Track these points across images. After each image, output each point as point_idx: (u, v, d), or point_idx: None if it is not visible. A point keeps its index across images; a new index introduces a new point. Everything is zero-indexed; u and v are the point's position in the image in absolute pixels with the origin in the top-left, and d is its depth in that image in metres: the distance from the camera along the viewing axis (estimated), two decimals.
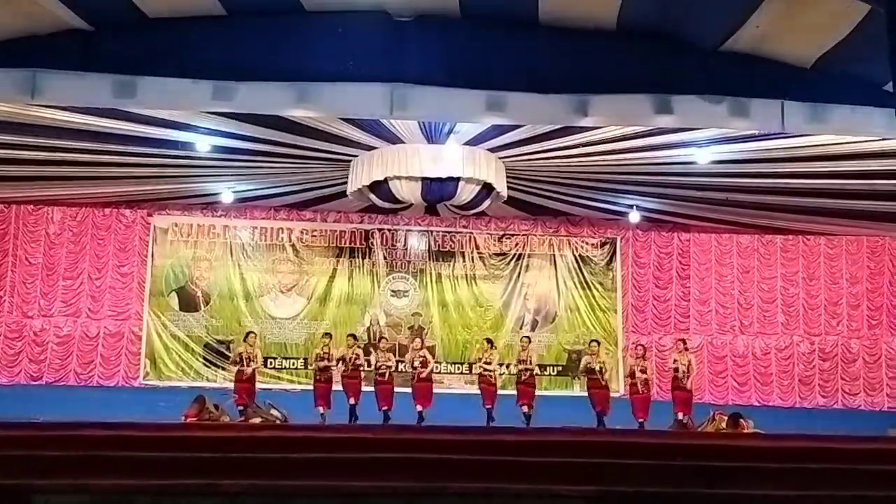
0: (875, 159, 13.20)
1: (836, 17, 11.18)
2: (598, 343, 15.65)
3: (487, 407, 14.09)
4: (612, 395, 16.30)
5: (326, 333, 15.20)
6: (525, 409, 14.14)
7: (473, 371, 15.93)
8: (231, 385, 14.20)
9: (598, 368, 14.50)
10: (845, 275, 18.51)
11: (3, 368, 17.14)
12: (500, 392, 14.47)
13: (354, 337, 15.24)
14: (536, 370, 15.25)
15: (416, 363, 14.34)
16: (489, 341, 15.30)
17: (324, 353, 14.25)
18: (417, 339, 15.49)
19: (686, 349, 15.20)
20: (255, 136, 13.55)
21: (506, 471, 6.58)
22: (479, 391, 14.53)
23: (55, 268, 17.57)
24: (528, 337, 15.76)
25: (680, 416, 14.14)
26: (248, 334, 14.77)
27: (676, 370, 14.57)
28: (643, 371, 14.62)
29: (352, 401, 13.84)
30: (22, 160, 14.52)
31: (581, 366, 15.09)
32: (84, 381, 17.09)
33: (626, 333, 18.24)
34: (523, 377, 14.56)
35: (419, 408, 13.90)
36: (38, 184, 16.22)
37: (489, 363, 14.56)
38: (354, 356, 14.27)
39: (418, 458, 6.79)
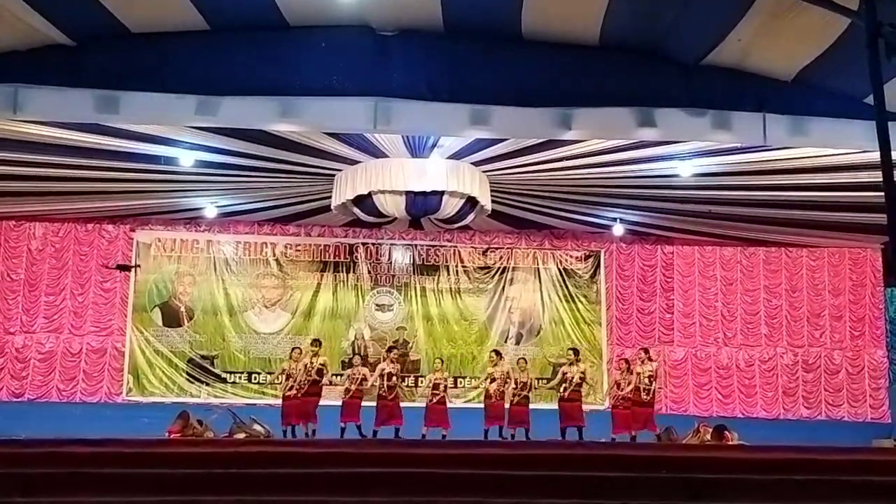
0: (856, 171, 13.27)
1: (816, 31, 11.31)
2: (577, 351, 15.65)
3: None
4: (598, 408, 16.33)
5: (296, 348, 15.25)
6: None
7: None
8: (214, 400, 14.09)
9: (575, 379, 14.51)
10: (828, 286, 18.55)
11: None
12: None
13: (319, 343, 15.02)
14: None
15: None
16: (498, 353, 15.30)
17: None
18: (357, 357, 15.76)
19: (650, 359, 15.14)
20: (239, 151, 13.51)
21: (493, 484, 6.57)
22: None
23: (37, 284, 17.39)
24: (524, 358, 15.81)
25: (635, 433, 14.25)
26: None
27: (639, 383, 14.62)
28: (629, 384, 14.65)
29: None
30: (4, 175, 14.44)
31: (557, 377, 15.15)
32: (67, 398, 16.92)
33: (611, 346, 18.23)
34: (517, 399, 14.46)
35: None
36: (20, 199, 16.10)
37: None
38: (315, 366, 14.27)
39: (405, 472, 6.77)
